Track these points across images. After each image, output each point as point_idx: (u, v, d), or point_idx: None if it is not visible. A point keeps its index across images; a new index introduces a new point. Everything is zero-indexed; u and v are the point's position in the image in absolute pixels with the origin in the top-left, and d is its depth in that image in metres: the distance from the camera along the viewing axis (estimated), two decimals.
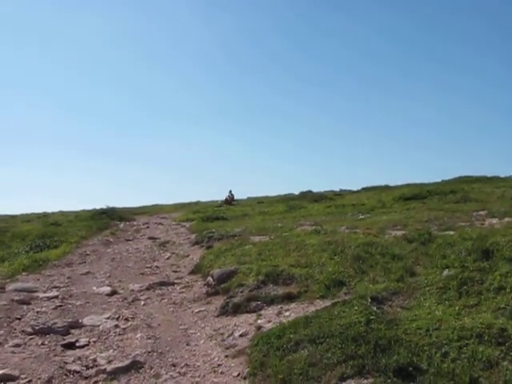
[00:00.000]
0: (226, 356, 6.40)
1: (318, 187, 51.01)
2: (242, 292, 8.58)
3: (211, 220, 21.69)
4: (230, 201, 34.52)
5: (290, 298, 8.05)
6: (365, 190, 34.22)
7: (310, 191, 35.42)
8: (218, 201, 36.27)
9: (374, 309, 6.51)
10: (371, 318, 6.08)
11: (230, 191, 35.10)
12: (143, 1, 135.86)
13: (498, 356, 4.86)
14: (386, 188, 32.84)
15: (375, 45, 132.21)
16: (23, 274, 12.07)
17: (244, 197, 42.06)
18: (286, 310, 7.55)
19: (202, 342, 7.11)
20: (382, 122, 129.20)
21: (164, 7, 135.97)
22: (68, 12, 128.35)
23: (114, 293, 10.07)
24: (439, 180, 32.88)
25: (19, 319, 8.28)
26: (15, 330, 7.73)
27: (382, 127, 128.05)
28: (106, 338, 7.42)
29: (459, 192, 22.10)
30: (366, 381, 4.89)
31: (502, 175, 31.37)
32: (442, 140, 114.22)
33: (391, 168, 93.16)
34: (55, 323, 7.86)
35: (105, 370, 6.19)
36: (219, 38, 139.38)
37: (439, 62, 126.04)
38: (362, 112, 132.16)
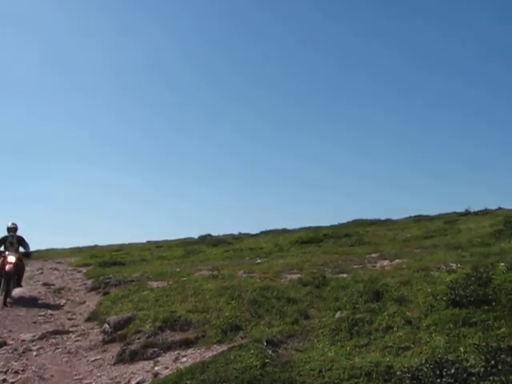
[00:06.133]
0: None
1: (217, 231, 51.40)
2: (139, 339, 8.49)
3: (108, 265, 21.18)
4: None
5: (187, 343, 8.06)
6: (263, 233, 34.66)
7: (209, 235, 35.45)
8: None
9: (270, 352, 6.65)
10: (266, 361, 6.22)
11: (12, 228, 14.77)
12: None
13: None
14: (284, 231, 33.44)
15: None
16: None
17: (143, 240, 41.52)
18: (184, 356, 7.54)
19: None
20: (281, 164, 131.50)
21: None
22: None
23: (2, 344, 9.60)
24: (336, 223, 33.83)
25: None
26: None
27: (280, 168, 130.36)
28: None
29: (354, 235, 22.88)
30: None
31: (395, 218, 32.77)
32: (341, 182, 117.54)
33: (290, 210, 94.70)
34: None
35: None
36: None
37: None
38: (263, 153, 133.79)
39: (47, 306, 13.56)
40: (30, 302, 13.41)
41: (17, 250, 14.47)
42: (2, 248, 14.55)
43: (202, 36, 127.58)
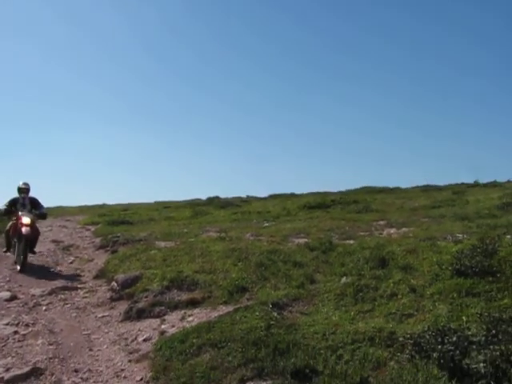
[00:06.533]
0: (130, 361, 6.44)
1: (225, 193, 51.42)
2: (146, 297, 8.62)
3: (117, 224, 21.36)
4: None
5: (193, 303, 8.18)
6: (271, 197, 34.77)
7: (217, 197, 35.64)
8: None
9: (275, 314, 6.77)
10: (271, 323, 6.34)
11: (24, 189, 13.34)
12: None
13: (387, 357, 5.22)
14: (292, 196, 33.56)
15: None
16: None
17: (151, 200, 41.73)
18: (190, 316, 7.67)
19: (106, 347, 7.10)
20: (292, 132, 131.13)
21: None
22: None
23: (13, 298, 9.78)
24: (344, 189, 33.89)
25: None
26: None
27: (292, 137, 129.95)
28: (3, 346, 7.15)
29: (362, 202, 22.95)
30: (264, 383, 5.10)
31: (404, 186, 32.79)
32: (349, 150, 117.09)
33: (299, 176, 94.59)
34: None
35: (2, 378, 5.99)
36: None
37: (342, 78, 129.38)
38: (274, 115, 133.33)
39: (56, 263, 13.75)
40: (38, 269, 13.05)
41: (30, 212, 12.89)
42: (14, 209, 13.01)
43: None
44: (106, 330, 7.89)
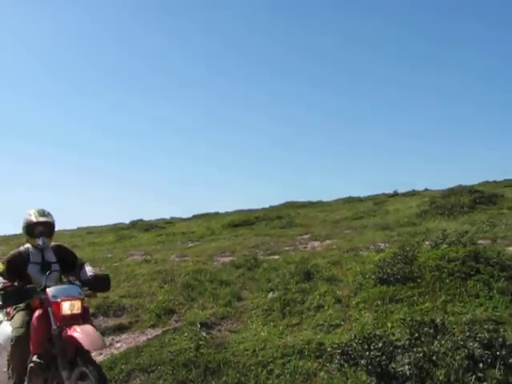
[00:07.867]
0: None
1: (149, 215, 50.63)
2: None
3: None
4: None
5: (120, 328, 8.02)
6: (195, 217, 34.58)
7: (140, 220, 35.12)
8: None
9: (204, 334, 6.75)
10: (201, 343, 6.32)
11: (43, 224, 5.54)
12: None
13: (317, 368, 5.31)
14: (216, 215, 33.49)
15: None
16: None
17: (73, 227, 40.74)
18: (117, 342, 7.52)
19: None
20: (212, 150, 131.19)
21: None
22: None
23: None
24: (267, 206, 34.08)
25: None
26: None
27: (212, 154, 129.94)
28: None
29: (285, 217, 23.16)
30: None
31: (326, 199, 33.29)
32: (271, 165, 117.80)
33: (222, 195, 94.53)
34: None
35: None
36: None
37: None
38: (194, 135, 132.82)
39: None
40: None
41: (66, 281, 5.35)
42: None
43: None
44: None
